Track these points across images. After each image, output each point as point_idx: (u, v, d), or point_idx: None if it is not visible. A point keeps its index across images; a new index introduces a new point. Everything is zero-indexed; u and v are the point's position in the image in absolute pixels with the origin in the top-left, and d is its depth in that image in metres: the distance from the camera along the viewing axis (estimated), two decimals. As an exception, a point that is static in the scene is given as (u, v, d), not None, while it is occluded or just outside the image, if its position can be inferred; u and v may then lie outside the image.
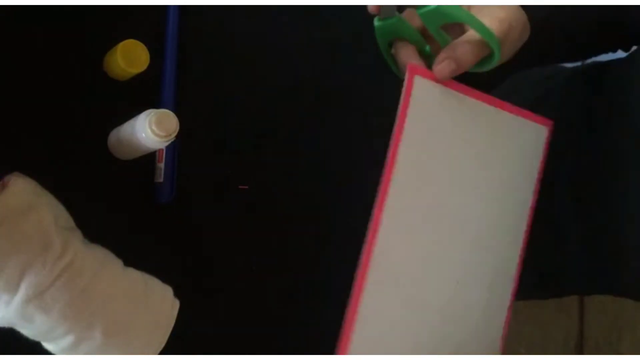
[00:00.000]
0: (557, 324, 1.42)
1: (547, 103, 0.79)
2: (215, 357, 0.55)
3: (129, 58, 0.49)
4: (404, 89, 0.53)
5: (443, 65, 0.54)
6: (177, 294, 0.49)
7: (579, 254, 0.70)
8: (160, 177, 0.53)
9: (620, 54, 0.73)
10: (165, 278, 0.49)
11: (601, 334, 1.46)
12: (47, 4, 0.50)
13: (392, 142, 0.53)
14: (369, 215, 0.64)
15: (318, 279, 0.61)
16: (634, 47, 0.70)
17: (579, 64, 0.85)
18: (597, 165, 0.66)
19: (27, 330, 0.44)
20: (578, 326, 1.44)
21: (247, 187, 0.58)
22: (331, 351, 0.61)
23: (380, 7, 0.53)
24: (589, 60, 0.82)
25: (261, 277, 0.59)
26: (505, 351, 0.65)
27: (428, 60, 0.56)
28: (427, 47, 0.57)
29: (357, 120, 0.64)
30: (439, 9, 0.52)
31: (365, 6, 0.54)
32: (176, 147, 0.53)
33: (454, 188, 0.58)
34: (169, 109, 0.46)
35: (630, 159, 0.63)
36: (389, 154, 0.53)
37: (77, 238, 0.46)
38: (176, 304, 0.49)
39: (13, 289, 0.42)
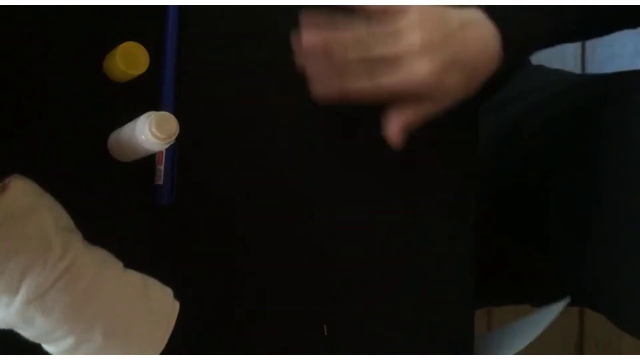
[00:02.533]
0: (557, 324, 1.42)
1: (547, 109, 0.79)
2: (215, 357, 0.56)
3: (129, 60, 0.49)
4: None
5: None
6: (177, 295, 0.49)
7: (575, 277, 0.70)
8: (160, 180, 0.53)
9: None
10: (165, 280, 0.49)
11: (601, 333, 1.46)
12: (47, 4, 0.50)
13: None
14: (370, 218, 0.64)
15: (320, 280, 0.61)
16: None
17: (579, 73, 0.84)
18: (592, 191, 0.65)
19: (27, 332, 0.44)
20: (578, 326, 1.44)
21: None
22: (331, 351, 0.61)
23: None
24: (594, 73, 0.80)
25: (261, 279, 0.59)
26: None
27: None
28: None
29: (358, 120, 0.64)
30: None
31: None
32: (176, 150, 0.53)
33: None
34: (169, 111, 0.46)
35: (622, 190, 0.62)
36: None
37: (77, 240, 0.46)
38: (176, 305, 0.49)
39: (13, 290, 0.42)
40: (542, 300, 0.84)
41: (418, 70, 0.50)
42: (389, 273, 0.65)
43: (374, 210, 0.64)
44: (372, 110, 0.64)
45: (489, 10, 0.53)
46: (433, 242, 0.67)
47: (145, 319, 0.47)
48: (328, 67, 0.52)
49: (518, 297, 0.84)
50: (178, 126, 0.45)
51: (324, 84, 0.53)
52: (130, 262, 0.48)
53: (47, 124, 0.50)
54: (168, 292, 0.49)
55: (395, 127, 0.53)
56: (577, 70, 1.53)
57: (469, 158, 0.69)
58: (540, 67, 0.94)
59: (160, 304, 0.48)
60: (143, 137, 0.45)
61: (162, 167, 0.53)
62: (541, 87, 0.83)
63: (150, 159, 0.52)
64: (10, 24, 0.49)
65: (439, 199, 0.67)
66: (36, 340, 0.45)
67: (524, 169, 0.76)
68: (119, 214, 0.52)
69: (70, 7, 0.51)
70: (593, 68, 1.51)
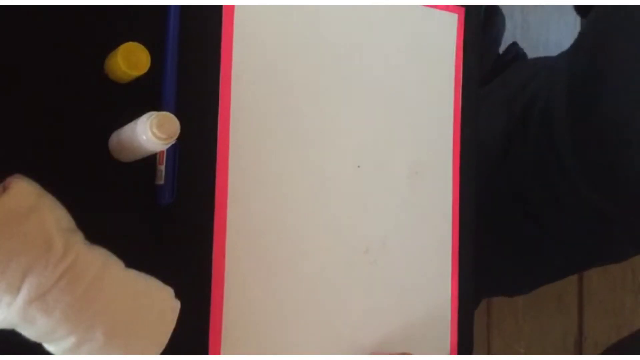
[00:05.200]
0: (556, 323, 1.43)
1: (546, 93, 0.81)
2: (215, 357, 0.56)
3: (130, 60, 0.49)
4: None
5: None
6: (177, 295, 0.49)
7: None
8: (161, 179, 0.53)
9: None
10: (165, 279, 0.50)
11: (600, 333, 1.47)
12: (47, 4, 0.50)
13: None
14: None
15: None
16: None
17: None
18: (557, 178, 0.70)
19: (28, 332, 0.44)
20: (577, 326, 1.44)
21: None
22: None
23: None
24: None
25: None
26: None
27: None
28: None
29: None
30: None
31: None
32: (177, 149, 0.53)
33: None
34: (170, 111, 0.46)
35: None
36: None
37: (78, 239, 0.46)
38: (177, 305, 0.49)
39: (15, 290, 0.42)
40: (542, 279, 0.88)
41: None
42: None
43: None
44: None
45: None
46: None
47: (146, 318, 0.47)
48: None
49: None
50: (179, 126, 0.45)
51: None
52: (131, 261, 0.48)
53: (48, 124, 0.50)
54: (168, 292, 0.49)
55: None
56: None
57: (468, 155, 0.69)
58: (538, 59, 0.96)
59: (161, 303, 0.48)
60: (144, 137, 0.45)
61: (163, 167, 0.53)
62: (537, 73, 0.87)
63: (151, 159, 0.52)
64: (11, 24, 0.49)
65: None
66: (37, 340, 0.45)
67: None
68: (119, 214, 0.53)
69: (71, 8, 0.51)
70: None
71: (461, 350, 0.68)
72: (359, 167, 0.62)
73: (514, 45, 1.07)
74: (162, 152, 0.53)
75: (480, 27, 0.72)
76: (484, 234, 0.71)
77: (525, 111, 0.82)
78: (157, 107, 0.53)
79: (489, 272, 0.81)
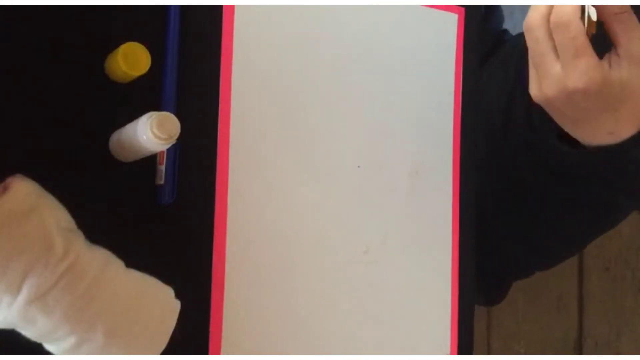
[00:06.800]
0: (556, 323, 1.43)
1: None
2: (215, 357, 0.56)
3: (130, 60, 0.49)
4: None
5: None
6: (178, 295, 0.50)
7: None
8: (161, 179, 0.53)
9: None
10: (166, 279, 0.50)
11: (600, 333, 1.47)
12: (47, 4, 0.50)
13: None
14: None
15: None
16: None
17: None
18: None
19: (28, 332, 0.44)
20: (577, 326, 1.44)
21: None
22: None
23: None
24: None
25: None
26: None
27: None
28: None
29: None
30: None
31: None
32: (177, 149, 0.53)
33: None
34: (170, 112, 0.46)
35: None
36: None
37: (79, 239, 0.46)
38: (177, 305, 0.49)
39: (15, 290, 0.42)
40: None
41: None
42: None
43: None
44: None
45: None
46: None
47: (146, 318, 0.47)
48: None
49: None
50: (179, 126, 0.45)
51: None
52: (131, 261, 0.48)
53: (49, 124, 0.51)
54: (169, 292, 0.49)
55: None
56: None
57: (468, 155, 0.69)
58: None
59: (161, 303, 0.48)
60: (144, 137, 0.45)
61: (163, 167, 0.53)
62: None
63: (151, 159, 0.53)
64: (11, 24, 0.49)
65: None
66: (38, 340, 0.45)
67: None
68: (120, 214, 0.53)
69: (71, 7, 0.51)
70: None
71: (461, 350, 0.68)
72: (359, 167, 0.62)
73: (505, 31, 1.08)
74: (162, 152, 0.53)
75: (480, 26, 0.72)
76: (493, 209, 0.71)
77: (518, 65, 0.82)
78: (157, 107, 0.53)
79: (506, 253, 0.81)
